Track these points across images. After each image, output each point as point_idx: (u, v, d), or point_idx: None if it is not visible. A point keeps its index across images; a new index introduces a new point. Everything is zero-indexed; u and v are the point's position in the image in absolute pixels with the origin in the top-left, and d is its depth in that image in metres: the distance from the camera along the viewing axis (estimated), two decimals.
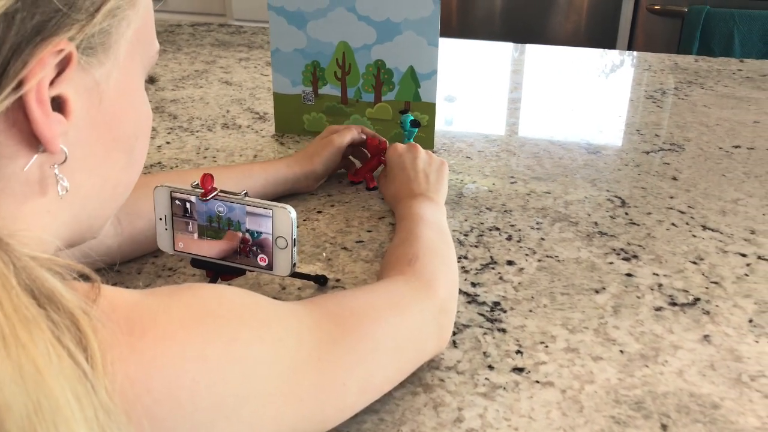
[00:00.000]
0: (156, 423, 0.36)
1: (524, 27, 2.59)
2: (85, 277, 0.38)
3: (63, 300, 0.34)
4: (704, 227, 0.84)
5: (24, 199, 0.40)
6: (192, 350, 0.38)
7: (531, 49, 1.68)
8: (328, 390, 0.46)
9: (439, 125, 1.15)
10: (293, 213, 0.61)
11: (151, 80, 0.48)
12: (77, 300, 0.35)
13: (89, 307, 0.35)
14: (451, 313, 0.61)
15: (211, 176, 0.62)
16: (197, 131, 1.12)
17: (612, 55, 1.66)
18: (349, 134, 0.91)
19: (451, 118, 1.22)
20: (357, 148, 0.93)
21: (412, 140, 0.92)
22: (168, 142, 1.07)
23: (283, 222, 0.61)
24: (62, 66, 0.38)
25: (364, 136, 0.92)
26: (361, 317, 0.51)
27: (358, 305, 0.53)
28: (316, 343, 0.46)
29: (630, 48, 2.50)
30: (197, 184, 0.63)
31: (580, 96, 1.34)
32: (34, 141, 0.39)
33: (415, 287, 0.59)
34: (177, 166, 0.99)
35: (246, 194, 0.62)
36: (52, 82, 0.38)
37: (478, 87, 1.40)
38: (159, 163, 1.00)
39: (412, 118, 0.92)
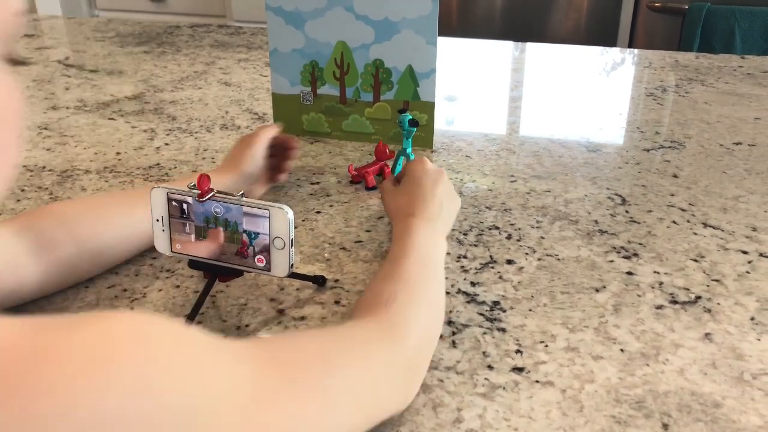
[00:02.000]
0: None
1: (524, 25, 2.59)
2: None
3: None
4: (705, 225, 0.83)
5: None
6: (90, 407, 0.30)
7: (531, 47, 1.68)
8: None
9: (440, 125, 1.15)
10: (290, 213, 0.60)
11: (16, 62, 0.39)
12: None
13: None
14: (422, 368, 0.55)
15: (208, 177, 0.62)
16: (196, 132, 1.12)
17: (612, 53, 1.65)
18: (267, 131, 0.87)
19: (452, 118, 1.21)
20: (275, 146, 0.89)
21: (410, 140, 0.92)
22: (167, 144, 1.07)
23: (280, 222, 0.61)
24: None
25: (278, 132, 0.89)
26: (313, 365, 0.44)
27: (312, 350, 0.46)
28: (253, 398, 0.38)
29: (631, 46, 2.49)
30: (194, 185, 0.62)
31: (581, 94, 1.33)
32: None
33: (383, 334, 0.53)
34: (175, 167, 0.98)
35: (243, 195, 0.62)
36: None
37: (478, 86, 1.40)
38: (158, 164, 1.00)
39: (411, 117, 0.91)
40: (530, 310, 0.67)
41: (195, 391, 0.34)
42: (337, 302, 0.68)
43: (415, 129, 0.92)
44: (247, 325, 0.65)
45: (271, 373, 0.41)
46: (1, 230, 0.65)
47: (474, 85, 1.40)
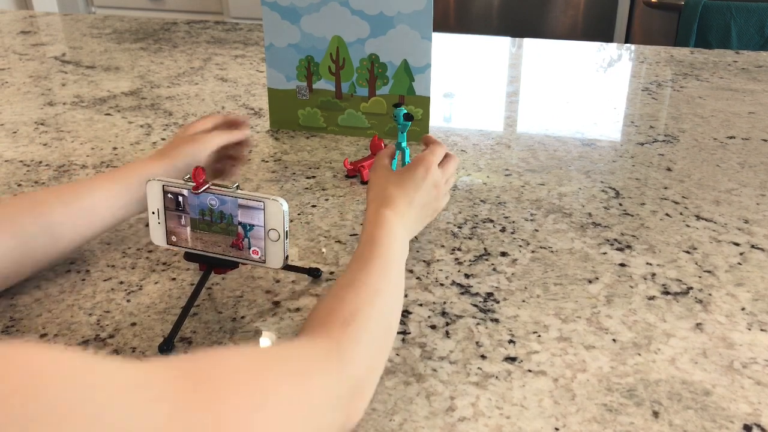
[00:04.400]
0: None
1: (521, 22, 2.59)
2: None
3: None
4: (698, 217, 0.84)
5: None
6: None
7: (528, 43, 1.68)
8: None
9: (438, 122, 1.15)
10: (285, 205, 0.61)
11: None
12: None
13: None
14: (366, 394, 0.50)
15: (203, 169, 0.62)
16: None
17: (608, 49, 1.66)
18: (216, 138, 0.81)
19: (450, 114, 1.22)
20: (231, 146, 0.85)
21: (405, 134, 0.92)
22: (163, 139, 1.07)
23: (275, 214, 0.61)
24: None
25: (233, 139, 0.83)
26: (239, 384, 0.39)
27: (238, 363, 0.41)
28: (168, 418, 0.33)
29: (627, 42, 2.50)
30: (189, 177, 0.63)
31: (576, 89, 1.34)
32: None
33: (330, 359, 0.48)
34: None
35: (238, 186, 0.62)
36: None
37: (474, 81, 1.40)
38: None
39: (405, 111, 0.91)
40: (523, 301, 0.68)
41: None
42: None
43: (410, 123, 0.93)
44: (242, 317, 0.65)
45: (183, 386, 0.36)
46: None
47: (471, 80, 1.41)
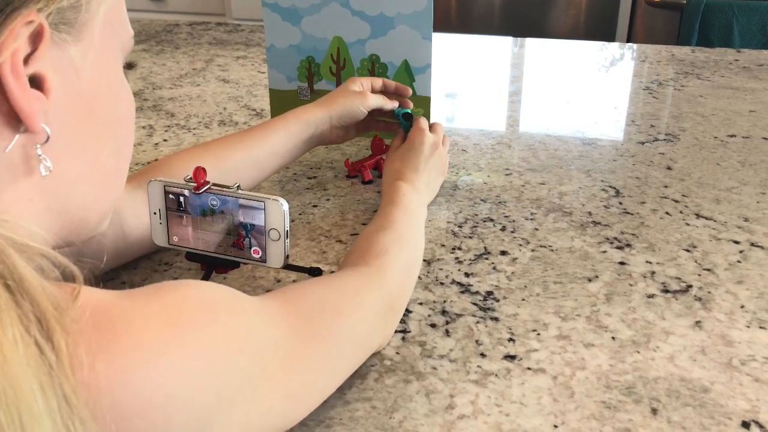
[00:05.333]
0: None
1: (523, 22, 2.59)
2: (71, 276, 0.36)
3: (32, 290, 0.33)
4: (698, 215, 0.84)
5: (6, 183, 0.40)
6: (169, 363, 0.36)
7: (530, 43, 1.69)
8: (296, 397, 0.47)
9: (442, 122, 1.15)
10: (285, 205, 0.61)
11: (129, 66, 0.48)
12: (48, 293, 0.33)
13: (63, 303, 0.34)
14: (399, 312, 0.63)
15: (204, 170, 0.63)
16: (194, 128, 1.13)
17: (610, 48, 1.66)
18: (375, 99, 0.88)
19: (452, 114, 1.22)
20: (386, 113, 0.92)
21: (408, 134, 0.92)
22: (165, 140, 1.08)
23: (275, 214, 0.62)
24: (36, 42, 0.38)
25: (389, 106, 0.90)
26: (325, 316, 0.51)
27: (323, 301, 0.53)
28: (288, 350, 0.45)
29: (629, 41, 2.50)
30: (190, 177, 0.63)
31: (577, 89, 1.34)
32: (14, 121, 0.38)
33: (372, 282, 0.60)
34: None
35: (238, 187, 0.63)
36: (27, 60, 0.38)
37: (476, 81, 1.41)
38: (156, 160, 1.00)
39: (404, 111, 0.92)
40: (523, 299, 0.68)
41: (251, 352, 0.41)
42: None
43: (410, 123, 0.93)
44: None
45: (298, 328, 0.47)
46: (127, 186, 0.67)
47: (472, 80, 1.41)
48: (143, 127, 1.13)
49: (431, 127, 0.88)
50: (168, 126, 1.14)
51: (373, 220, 0.70)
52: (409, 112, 0.91)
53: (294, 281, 0.71)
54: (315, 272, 0.71)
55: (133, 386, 0.34)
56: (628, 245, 0.78)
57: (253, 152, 0.79)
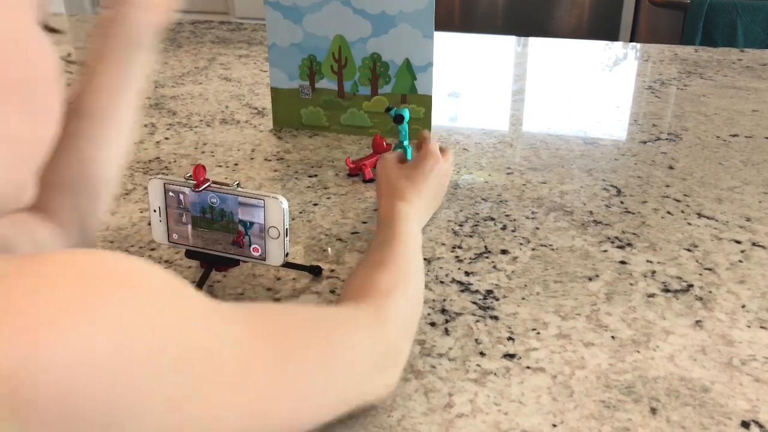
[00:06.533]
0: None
1: (527, 21, 2.59)
2: None
3: None
4: (699, 215, 0.84)
5: None
6: (83, 340, 0.30)
7: (533, 42, 1.68)
8: (254, 414, 0.39)
9: (442, 120, 1.16)
10: (285, 203, 0.61)
11: (50, 29, 0.41)
12: None
13: None
14: (398, 365, 0.54)
15: (203, 167, 0.63)
16: (196, 127, 1.13)
17: (612, 47, 1.66)
18: None
19: (455, 113, 1.22)
20: None
21: (406, 133, 0.92)
22: (167, 138, 1.08)
23: (275, 212, 0.62)
24: None
25: None
26: (305, 342, 0.44)
27: (307, 327, 0.46)
28: (243, 361, 0.38)
29: (633, 41, 2.49)
30: (190, 175, 0.63)
31: (580, 88, 1.34)
32: None
33: (370, 319, 0.53)
34: (175, 161, 0.99)
35: (238, 184, 0.63)
36: None
37: (479, 80, 1.40)
38: (157, 158, 1.01)
39: (394, 114, 0.89)
40: (523, 298, 0.68)
41: (188, 341, 0.34)
42: (332, 292, 0.69)
43: (404, 124, 0.91)
44: None
45: (263, 340, 0.41)
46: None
47: (474, 79, 1.41)
48: (145, 126, 1.13)
49: (444, 151, 0.83)
50: (170, 124, 1.14)
51: (373, 249, 0.63)
52: (403, 114, 0.88)
53: (293, 279, 0.71)
54: (315, 270, 0.71)
55: (38, 376, 0.28)
56: (629, 245, 0.77)
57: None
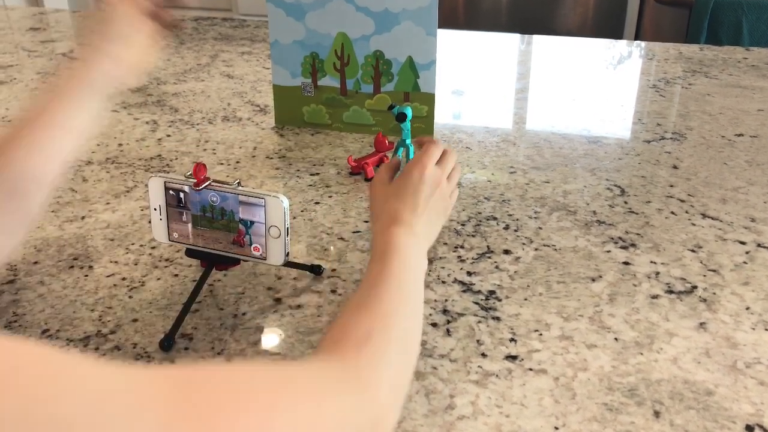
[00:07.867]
0: None
1: (531, 19, 2.58)
2: None
3: None
4: (704, 215, 0.83)
5: None
6: None
7: (538, 40, 1.67)
8: None
9: (446, 119, 1.15)
10: (286, 202, 0.61)
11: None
12: None
13: None
14: (390, 425, 0.43)
15: (204, 166, 0.62)
16: (198, 124, 1.12)
17: (617, 46, 1.65)
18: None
19: (458, 111, 1.21)
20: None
21: (409, 131, 0.91)
22: (168, 135, 1.08)
23: (276, 211, 0.61)
24: None
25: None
26: (237, 396, 0.33)
27: (237, 378, 0.36)
28: (153, 424, 0.29)
29: (637, 39, 2.48)
30: (190, 174, 0.63)
31: (584, 86, 1.33)
32: None
33: (347, 382, 0.42)
34: (176, 159, 0.99)
35: (239, 183, 0.62)
36: None
37: (482, 78, 1.40)
38: (159, 155, 1.00)
39: (397, 112, 0.88)
40: (525, 299, 0.67)
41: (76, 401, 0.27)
42: (333, 291, 0.69)
43: (406, 123, 0.91)
44: (243, 314, 0.65)
45: (180, 400, 0.31)
46: None
47: (479, 77, 1.40)
48: (147, 123, 1.13)
49: (444, 155, 0.68)
50: (171, 121, 1.14)
51: (360, 287, 0.52)
52: (405, 112, 0.87)
53: (294, 278, 0.71)
54: (316, 270, 0.71)
55: None
56: (633, 245, 0.77)
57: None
